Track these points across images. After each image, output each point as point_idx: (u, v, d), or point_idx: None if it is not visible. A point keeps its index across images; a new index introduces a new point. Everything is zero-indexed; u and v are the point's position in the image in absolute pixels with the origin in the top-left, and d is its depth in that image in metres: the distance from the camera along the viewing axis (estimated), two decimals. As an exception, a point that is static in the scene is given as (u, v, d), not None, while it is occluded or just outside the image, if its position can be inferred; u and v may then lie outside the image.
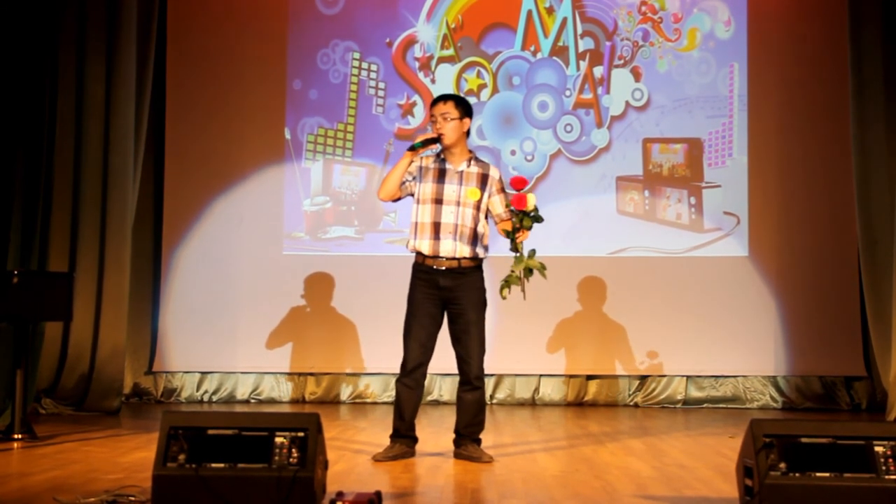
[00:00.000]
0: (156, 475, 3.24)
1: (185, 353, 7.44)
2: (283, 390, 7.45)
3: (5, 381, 5.78)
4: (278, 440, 3.27)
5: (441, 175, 4.68)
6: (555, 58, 7.55)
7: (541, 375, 7.43)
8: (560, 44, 7.55)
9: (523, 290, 4.52)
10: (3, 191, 6.37)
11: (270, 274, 7.45)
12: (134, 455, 4.77)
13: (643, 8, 7.53)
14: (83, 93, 6.58)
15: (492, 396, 7.42)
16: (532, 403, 7.40)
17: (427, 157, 4.75)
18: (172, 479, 3.22)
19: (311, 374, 7.46)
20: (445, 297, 4.65)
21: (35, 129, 6.45)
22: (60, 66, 6.53)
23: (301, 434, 3.28)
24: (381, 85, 7.54)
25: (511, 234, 4.52)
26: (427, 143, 4.64)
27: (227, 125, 7.55)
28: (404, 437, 4.72)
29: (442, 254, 4.62)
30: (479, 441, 4.75)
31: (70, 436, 5.44)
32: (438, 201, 4.64)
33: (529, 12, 7.56)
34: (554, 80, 7.54)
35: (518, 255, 4.52)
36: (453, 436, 4.78)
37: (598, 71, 7.52)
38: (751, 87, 7.43)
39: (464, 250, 4.62)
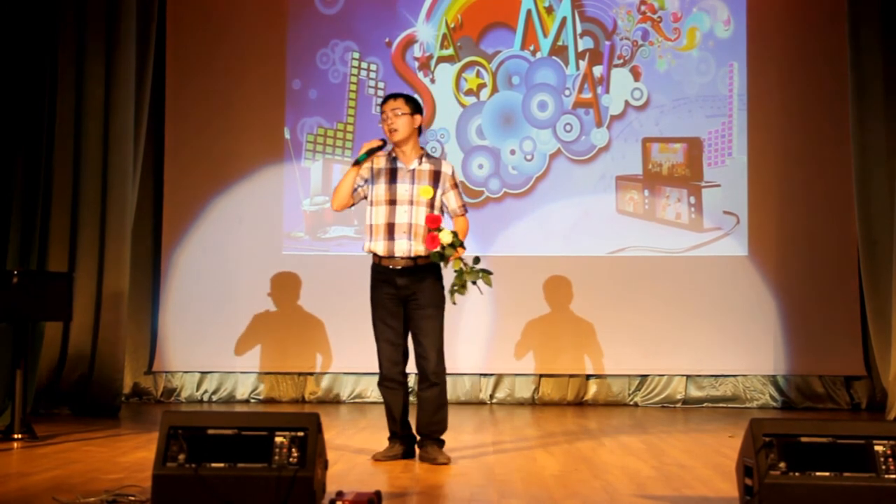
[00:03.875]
0: (156, 475, 3.24)
1: (184, 353, 7.44)
2: (283, 390, 7.45)
3: (5, 381, 5.79)
4: (278, 440, 3.27)
5: (393, 175, 4.68)
6: (554, 57, 7.55)
7: (540, 375, 7.43)
8: (559, 43, 7.55)
9: (479, 288, 4.57)
10: (3, 190, 6.36)
11: (270, 274, 7.45)
12: (134, 455, 4.77)
13: (642, 7, 7.53)
14: (83, 93, 6.58)
15: (492, 396, 7.43)
16: (532, 403, 7.41)
17: (378, 157, 4.73)
18: (172, 479, 3.22)
19: (311, 374, 7.46)
20: (404, 294, 4.65)
21: (35, 129, 6.45)
22: (60, 66, 6.53)
23: (301, 434, 3.29)
24: (381, 85, 7.53)
25: (438, 258, 4.53)
26: (372, 152, 4.65)
27: (226, 125, 7.55)
28: (401, 437, 4.73)
29: (397, 254, 4.62)
30: (441, 442, 4.71)
31: (70, 436, 5.44)
32: (392, 202, 4.65)
33: (529, 12, 7.56)
34: (553, 79, 7.54)
35: (458, 270, 4.52)
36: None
37: (598, 70, 7.52)
38: (750, 87, 7.43)
39: (419, 249, 4.61)
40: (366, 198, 4.73)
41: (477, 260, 4.55)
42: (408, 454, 4.72)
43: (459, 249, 4.52)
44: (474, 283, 4.52)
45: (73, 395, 6.57)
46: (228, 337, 7.40)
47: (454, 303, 4.61)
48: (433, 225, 4.56)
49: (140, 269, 7.33)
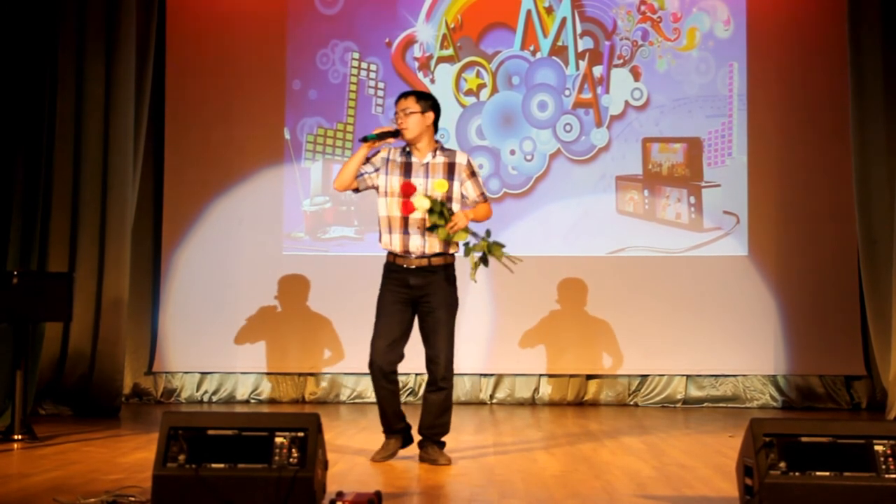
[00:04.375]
0: (156, 475, 3.24)
1: (184, 354, 7.44)
2: (283, 390, 7.45)
3: (5, 382, 5.78)
4: (278, 440, 3.27)
5: (407, 168, 4.63)
6: (554, 57, 7.55)
7: (540, 375, 7.43)
8: (559, 43, 7.54)
9: (507, 266, 4.56)
10: (3, 191, 6.37)
11: (270, 274, 7.44)
12: (134, 455, 4.77)
13: (642, 7, 7.53)
14: (83, 92, 6.58)
15: (492, 396, 7.43)
16: (532, 403, 7.40)
17: (394, 150, 4.70)
18: (172, 480, 3.22)
19: (311, 374, 7.46)
20: (415, 295, 4.61)
21: (35, 128, 6.45)
22: (60, 66, 6.53)
23: (301, 434, 3.29)
24: (381, 85, 7.53)
25: (432, 229, 4.50)
26: (384, 135, 4.61)
27: (226, 125, 7.54)
28: (396, 432, 4.71)
29: (412, 249, 4.59)
30: (441, 443, 4.70)
31: (70, 436, 5.45)
32: (406, 196, 4.60)
33: (529, 12, 7.56)
34: (553, 79, 7.54)
35: (465, 243, 4.51)
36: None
37: (598, 70, 7.52)
38: (750, 87, 7.43)
39: (433, 245, 4.58)
40: (374, 188, 4.68)
41: (488, 233, 4.53)
42: (405, 444, 4.72)
43: (457, 219, 4.46)
44: (485, 259, 4.48)
45: (73, 396, 6.57)
46: (228, 337, 7.39)
47: (475, 280, 4.56)
48: (406, 192, 4.53)
49: (140, 270, 7.33)
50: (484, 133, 7.53)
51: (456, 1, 7.57)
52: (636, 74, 7.50)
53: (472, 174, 4.72)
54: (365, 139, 4.60)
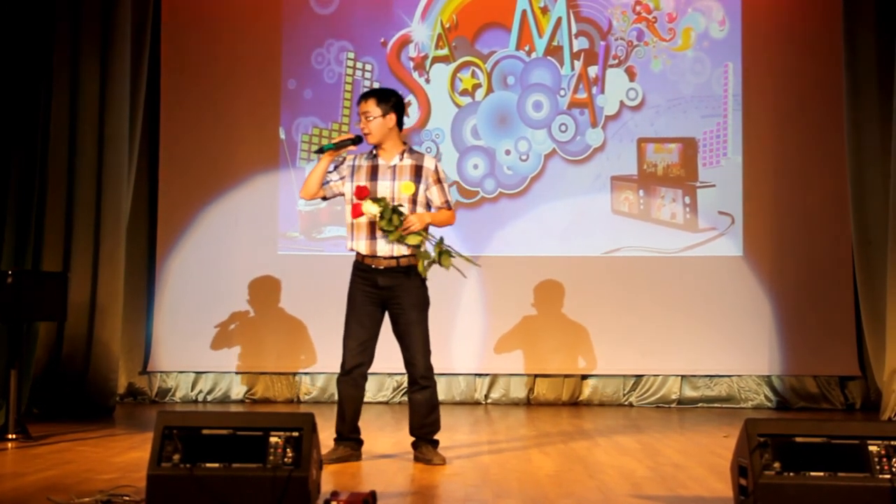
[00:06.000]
0: (150, 475, 3.24)
1: (179, 353, 7.43)
2: (278, 390, 7.44)
3: (-1, 382, 5.78)
4: (273, 440, 3.27)
5: (374, 172, 4.61)
6: (549, 57, 7.55)
7: (535, 375, 7.43)
8: (554, 43, 7.55)
9: (461, 271, 4.65)
10: (-2, 190, 6.36)
11: (265, 273, 7.44)
12: (128, 455, 4.77)
13: (637, 7, 7.53)
14: (77, 92, 6.57)
15: (486, 396, 7.43)
16: (527, 403, 7.40)
17: (360, 155, 4.69)
18: (167, 479, 3.22)
19: (306, 374, 7.46)
20: (385, 296, 4.60)
21: (29, 128, 6.43)
22: (55, 65, 6.51)
23: (296, 434, 3.29)
24: (376, 84, 7.53)
25: (387, 232, 4.49)
26: (343, 144, 4.60)
27: (221, 125, 7.53)
28: (348, 439, 4.69)
29: (379, 253, 4.57)
30: (435, 442, 4.70)
31: (64, 436, 5.44)
32: (373, 200, 4.58)
33: (524, 12, 7.56)
34: (548, 79, 7.54)
35: (416, 245, 4.52)
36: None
37: (593, 70, 7.52)
38: (745, 87, 7.44)
39: (401, 248, 4.56)
40: (342, 195, 4.68)
41: (441, 240, 4.54)
42: (354, 457, 4.68)
43: (410, 222, 4.45)
44: (437, 262, 4.50)
45: (67, 396, 6.55)
46: (222, 336, 7.39)
47: (424, 276, 4.57)
48: (359, 196, 4.53)
49: (135, 269, 7.32)
50: (479, 133, 7.53)
51: (451, 1, 7.57)
52: (631, 74, 7.51)
53: (439, 180, 4.68)
54: (321, 150, 4.60)
